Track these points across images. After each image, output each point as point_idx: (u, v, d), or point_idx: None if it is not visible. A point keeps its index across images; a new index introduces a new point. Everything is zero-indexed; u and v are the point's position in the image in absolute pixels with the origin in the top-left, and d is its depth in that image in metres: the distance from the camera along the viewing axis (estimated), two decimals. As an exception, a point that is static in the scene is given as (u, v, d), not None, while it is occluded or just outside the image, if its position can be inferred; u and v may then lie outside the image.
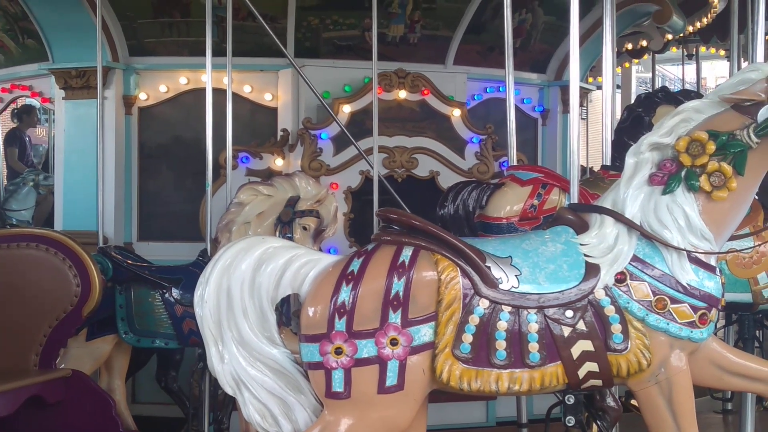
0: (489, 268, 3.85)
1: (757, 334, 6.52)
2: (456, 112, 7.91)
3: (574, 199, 4.65)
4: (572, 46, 4.78)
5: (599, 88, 8.91)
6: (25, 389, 5.06)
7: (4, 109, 10.31)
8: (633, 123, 6.44)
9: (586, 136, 16.33)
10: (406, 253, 3.84)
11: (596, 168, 8.01)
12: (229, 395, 3.97)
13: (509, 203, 6.10)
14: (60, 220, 8.27)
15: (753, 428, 6.15)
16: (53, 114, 10.15)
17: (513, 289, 3.84)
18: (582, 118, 14.50)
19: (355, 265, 3.82)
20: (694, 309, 3.90)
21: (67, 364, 5.82)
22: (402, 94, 7.81)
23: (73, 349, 6.03)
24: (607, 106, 6.37)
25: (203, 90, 6.67)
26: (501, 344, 3.80)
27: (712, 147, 3.93)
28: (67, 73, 8.05)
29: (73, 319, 5.40)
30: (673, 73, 26.45)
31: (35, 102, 10.78)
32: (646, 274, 3.91)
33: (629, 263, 3.92)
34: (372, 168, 6.76)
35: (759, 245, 5.63)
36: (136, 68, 8.14)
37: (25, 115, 11.94)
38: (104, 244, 6.73)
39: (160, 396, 6.97)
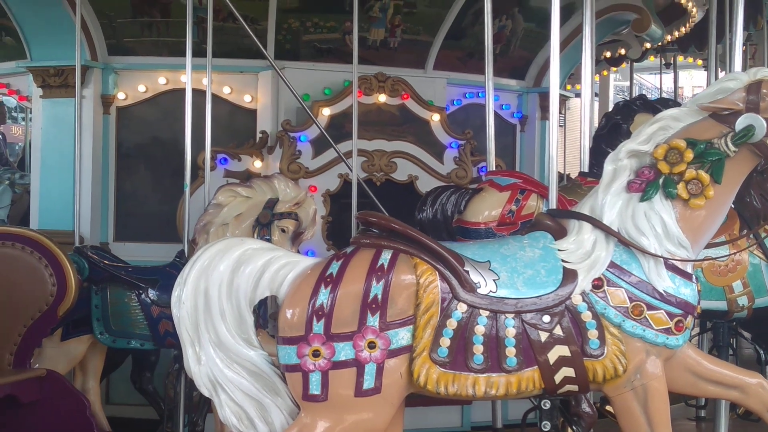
0: (467, 272, 3.86)
1: (732, 342, 6.56)
2: (435, 117, 7.93)
3: (553, 205, 4.67)
4: (552, 54, 4.80)
5: (578, 95, 8.93)
6: (-1, 389, 5.04)
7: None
8: (611, 130, 6.48)
9: (564, 143, 16.40)
10: (385, 256, 3.84)
11: (574, 175, 8.04)
12: (205, 397, 3.96)
13: (487, 208, 6.12)
14: (36, 219, 8.21)
15: (726, 436, 6.19)
16: (30, 112, 10.08)
17: (491, 294, 3.85)
18: (560, 125, 14.56)
19: (334, 268, 3.83)
20: (671, 316, 3.93)
21: (42, 364, 5.78)
22: (382, 98, 7.81)
23: (47, 348, 5.99)
24: (585, 114, 6.41)
25: (182, 90, 6.66)
26: (478, 348, 3.82)
27: (690, 155, 3.96)
28: (45, 71, 7.99)
29: (48, 318, 5.38)
30: (651, 81, 26.65)
31: (12, 100, 10.68)
32: (623, 280, 3.94)
33: (606, 269, 3.95)
34: (351, 171, 6.76)
35: (734, 253, 5.67)
36: (115, 68, 8.09)
37: None
38: (80, 243, 6.70)
39: (134, 397, 6.94)
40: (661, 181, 3.99)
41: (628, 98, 11.91)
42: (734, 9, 6.17)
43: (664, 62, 15.21)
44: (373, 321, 3.75)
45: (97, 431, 5.43)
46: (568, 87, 12.38)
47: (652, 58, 14.72)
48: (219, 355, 3.86)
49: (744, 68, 6.21)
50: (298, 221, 6.09)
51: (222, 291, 3.85)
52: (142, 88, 8.09)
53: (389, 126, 7.86)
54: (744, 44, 6.05)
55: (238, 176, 7.42)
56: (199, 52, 6.62)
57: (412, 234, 3.92)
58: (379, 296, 3.77)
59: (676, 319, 3.94)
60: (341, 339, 3.74)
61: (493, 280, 3.88)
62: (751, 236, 5.61)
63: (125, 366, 6.83)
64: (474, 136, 7.95)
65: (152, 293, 6.11)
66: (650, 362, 3.94)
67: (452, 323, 3.80)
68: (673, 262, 3.97)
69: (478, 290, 3.84)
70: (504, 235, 5.78)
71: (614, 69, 15.80)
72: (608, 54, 13.26)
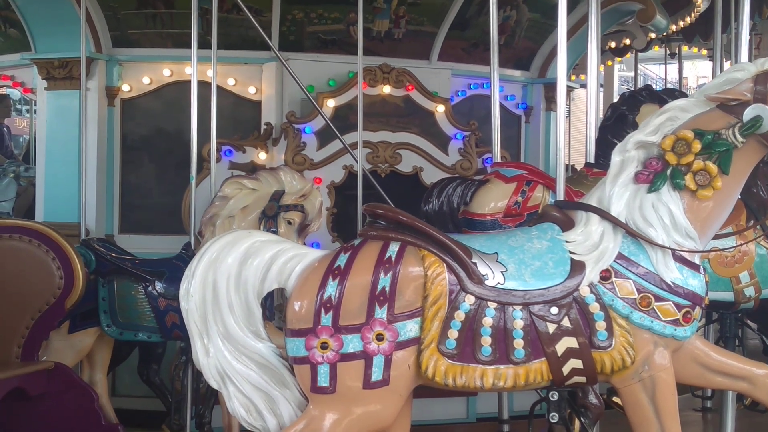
0: (475, 264, 3.86)
1: (738, 333, 6.55)
2: (440, 108, 7.92)
3: (560, 197, 4.66)
4: (560, 45, 4.79)
5: (582, 86, 8.90)
6: (7, 381, 5.04)
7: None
8: (617, 121, 6.46)
9: (568, 133, 16.40)
10: (393, 248, 3.84)
11: (579, 165, 8.03)
12: (211, 389, 3.96)
13: (493, 200, 6.13)
14: (41, 212, 8.21)
15: (733, 427, 6.17)
16: (35, 105, 10.07)
17: (499, 286, 3.85)
18: (565, 116, 14.57)
19: (342, 260, 3.83)
20: (678, 307, 3.92)
21: (49, 357, 5.79)
22: (386, 89, 7.81)
23: (55, 341, 5.98)
24: (591, 104, 6.38)
25: (186, 82, 6.66)
26: (486, 340, 3.82)
27: (697, 146, 3.95)
28: (50, 63, 7.98)
29: (55, 311, 5.38)
30: (655, 72, 26.59)
31: (16, 92, 10.67)
32: (631, 271, 3.93)
33: (614, 261, 3.94)
34: (357, 162, 6.76)
35: (741, 244, 5.66)
36: (120, 59, 8.09)
37: None
38: (86, 236, 6.70)
39: (139, 389, 6.96)
40: (668, 172, 3.98)
41: (632, 89, 11.89)
42: (740, -2, 6.15)
43: (669, 52, 15.18)
44: (381, 313, 3.75)
45: (105, 423, 5.43)
46: (573, 77, 12.36)
47: (656, 48, 14.70)
48: (227, 347, 3.86)
49: (750, 58, 6.19)
50: (305, 213, 6.09)
51: (230, 283, 3.85)
52: (146, 79, 8.08)
53: (394, 117, 7.86)
54: (749, 34, 6.01)
55: (242, 168, 7.42)
56: (203, 43, 6.61)
57: (420, 226, 3.92)
58: (387, 288, 3.77)
59: (683, 311, 3.93)
60: (349, 331, 3.74)
61: (501, 272, 3.87)
62: (758, 227, 5.60)
63: (131, 358, 6.84)
64: (479, 128, 7.96)
65: (159, 285, 6.10)
66: (658, 353, 3.94)
67: (460, 315, 3.80)
68: (681, 253, 3.97)
69: (486, 282, 3.84)
70: (510, 227, 5.79)
71: (619, 59, 15.77)
72: (613, 44, 13.25)
